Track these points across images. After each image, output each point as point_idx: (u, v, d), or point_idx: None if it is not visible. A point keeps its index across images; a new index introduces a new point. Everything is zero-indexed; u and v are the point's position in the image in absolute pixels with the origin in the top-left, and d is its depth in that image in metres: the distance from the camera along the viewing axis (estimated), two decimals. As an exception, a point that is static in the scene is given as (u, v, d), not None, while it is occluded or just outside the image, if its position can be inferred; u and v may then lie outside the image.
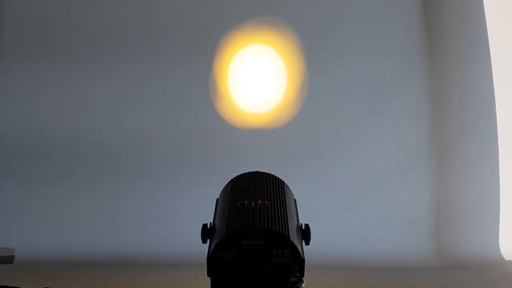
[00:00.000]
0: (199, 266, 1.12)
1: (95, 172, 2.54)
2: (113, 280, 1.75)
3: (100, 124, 2.56)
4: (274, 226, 1.00)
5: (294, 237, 1.02)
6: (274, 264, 1.00)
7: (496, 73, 2.57)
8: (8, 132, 2.53)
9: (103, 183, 2.52)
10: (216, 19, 2.66)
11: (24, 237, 2.38)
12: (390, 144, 2.59)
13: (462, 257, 2.39)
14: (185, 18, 2.66)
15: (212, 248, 1.01)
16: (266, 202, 1.08)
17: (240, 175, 1.20)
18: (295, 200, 1.19)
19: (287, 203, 1.12)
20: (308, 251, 1.08)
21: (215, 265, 1.00)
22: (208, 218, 1.12)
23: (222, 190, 1.20)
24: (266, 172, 1.21)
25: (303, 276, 1.00)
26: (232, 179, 1.20)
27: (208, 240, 1.05)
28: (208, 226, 1.07)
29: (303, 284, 0.99)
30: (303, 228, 1.09)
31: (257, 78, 2.68)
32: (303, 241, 1.07)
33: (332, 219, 2.45)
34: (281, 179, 1.20)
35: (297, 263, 1.00)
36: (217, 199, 1.19)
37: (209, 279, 1.01)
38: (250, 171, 1.21)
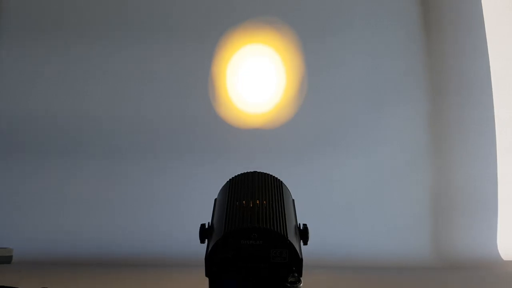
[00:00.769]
0: (197, 266, 1.12)
1: (96, 173, 2.54)
2: (111, 279, 1.75)
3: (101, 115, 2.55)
4: (272, 226, 1.00)
5: (292, 237, 1.02)
6: (272, 264, 0.99)
7: (494, 71, 2.57)
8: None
9: (103, 184, 2.52)
10: (215, 18, 2.66)
11: (22, 237, 2.38)
12: (388, 144, 2.59)
13: (461, 257, 2.39)
14: (184, 17, 2.66)
15: (210, 248, 1.00)
16: (264, 202, 1.08)
17: (238, 175, 1.20)
18: (293, 200, 1.19)
19: (285, 203, 1.11)
20: (307, 251, 1.08)
21: (213, 265, 0.99)
22: (206, 218, 1.12)
23: (220, 190, 1.19)
24: (264, 172, 1.21)
25: (301, 276, 1.00)
26: (230, 179, 1.20)
27: (206, 240, 1.05)
28: (206, 226, 1.07)
29: (301, 284, 0.99)
30: (301, 228, 1.09)
31: (256, 78, 2.68)
32: (301, 241, 1.07)
33: (330, 219, 2.45)
34: (279, 179, 1.20)
35: (295, 263, 0.99)
36: (215, 199, 1.18)
37: (207, 279, 1.01)
38: (248, 171, 1.21)
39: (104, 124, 2.57)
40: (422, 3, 2.70)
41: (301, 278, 0.99)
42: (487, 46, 2.58)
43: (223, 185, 1.20)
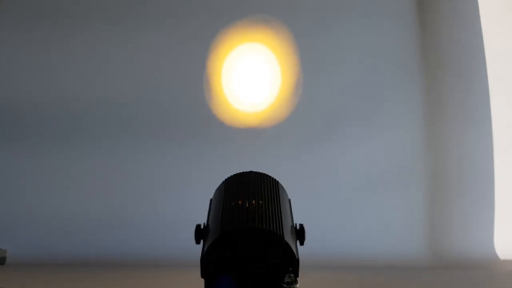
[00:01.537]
0: (193, 266, 1.11)
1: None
2: (106, 280, 1.75)
3: None
4: (268, 226, 1.00)
5: (289, 237, 1.01)
6: (269, 264, 0.99)
7: (491, 72, 2.57)
8: None
9: (99, 183, 2.52)
10: (210, 17, 2.65)
11: (16, 238, 2.37)
12: (386, 144, 2.59)
13: (458, 257, 2.39)
14: (180, 15, 2.66)
15: (206, 248, 0.99)
16: (260, 202, 1.07)
17: (234, 175, 1.19)
18: (289, 200, 1.18)
19: (281, 203, 1.11)
20: (304, 251, 1.07)
21: (209, 265, 0.98)
22: (202, 218, 1.11)
23: (216, 190, 1.19)
24: (260, 171, 1.20)
25: (297, 276, 0.99)
26: (226, 179, 1.19)
27: (202, 241, 1.04)
28: (202, 227, 1.06)
29: (298, 285, 0.99)
30: (298, 228, 1.08)
31: (251, 77, 2.67)
32: (298, 241, 1.06)
33: (326, 219, 2.45)
34: (275, 179, 1.19)
35: (292, 263, 0.99)
36: (211, 199, 1.18)
37: (202, 280, 1.00)
38: (244, 171, 1.21)
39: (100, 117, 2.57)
40: (418, 3, 2.70)
41: (298, 279, 0.99)
42: (483, 43, 2.58)
43: (218, 185, 1.19)
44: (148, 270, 2.06)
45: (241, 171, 1.20)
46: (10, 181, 2.49)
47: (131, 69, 2.60)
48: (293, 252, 0.99)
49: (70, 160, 2.52)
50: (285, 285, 0.98)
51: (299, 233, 1.07)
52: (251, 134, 2.59)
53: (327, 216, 2.47)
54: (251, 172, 1.20)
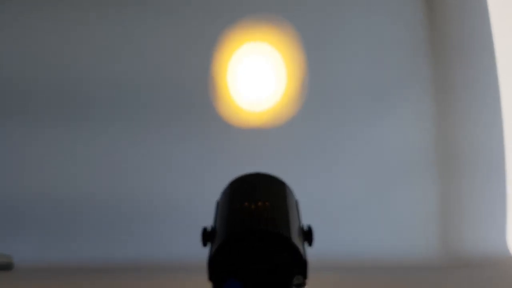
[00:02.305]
0: (200, 269, 1.11)
1: None
2: (114, 285, 1.75)
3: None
4: (275, 228, 0.99)
5: (296, 239, 1.00)
6: (276, 266, 0.98)
7: (501, 66, 2.55)
8: None
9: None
10: (214, 16, 2.65)
11: (22, 243, 2.38)
12: (394, 141, 2.58)
13: (470, 255, 2.38)
14: (186, 13, 2.66)
15: (213, 251, 0.99)
16: (267, 203, 1.06)
17: (240, 176, 1.19)
18: (296, 201, 1.17)
19: (288, 204, 1.10)
20: (312, 252, 1.06)
21: (216, 268, 0.98)
22: (208, 221, 1.11)
23: (222, 192, 1.18)
24: (266, 172, 1.20)
25: (305, 278, 0.98)
26: (231, 181, 1.18)
27: (208, 244, 1.04)
28: (208, 230, 1.06)
29: (306, 287, 0.98)
30: (306, 229, 1.07)
31: (256, 76, 2.67)
32: (306, 242, 1.06)
33: (337, 219, 2.44)
34: (281, 180, 1.19)
35: (300, 264, 0.98)
36: (217, 202, 1.17)
37: (210, 283, 1.00)
38: (250, 172, 1.20)
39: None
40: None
41: (306, 280, 0.98)
42: (492, 39, 2.56)
43: (224, 186, 1.19)
44: (160, 274, 2.07)
45: (247, 173, 1.19)
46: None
47: (133, 66, 2.61)
48: (301, 253, 0.98)
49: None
50: (293, 287, 0.97)
51: (307, 234, 1.06)
52: (256, 135, 2.59)
53: (335, 216, 2.46)
54: (257, 173, 1.19)
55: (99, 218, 2.47)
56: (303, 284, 0.98)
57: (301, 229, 1.07)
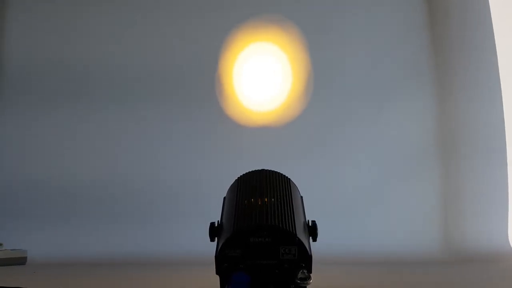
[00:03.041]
0: (207, 264, 1.13)
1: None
2: (125, 279, 1.76)
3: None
4: (280, 224, 1.01)
5: (301, 234, 1.02)
6: (282, 261, 1.00)
7: (501, 64, 2.55)
8: None
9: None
10: (222, 17, 2.66)
11: (36, 238, 2.40)
12: (397, 139, 2.59)
13: (471, 251, 2.38)
14: (191, 16, 2.67)
15: (220, 246, 1.01)
16: (273, 199, 1.08)
17: (246, 173, 1.21)
18: (301, 197, 1.19)
19: (293, 201, 1.12)
20: (317, 248, 1.08)
21: (223, 262, 1.00)
22: (215, 217, 1.13)
23: (229, 188, 1.20)
24: (272, 169, 1.22)
25: (310, 272, 1.00)
26: (238, 178, 1.20)
27: (216, 238, 1.06)
28: (216, 225, 1.08)
29: (311, 281, 1.00)
30: (310, 224, 1.09)
31: (262, 76, 2.68)
32: (311, 237, 1.08)
33: (339, 215, 2.45)
34: (287, 177, 1.21)
35: (305, 259, 1.00)
36: (224, 198, 1.19)
37: (217, 276, 1.02)
38: (256, 169, 1.22)
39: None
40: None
41: (311, 275, 1.00)
42: (494, 40, 2.56)
43: (231, 183, 1.20)
44: (168, 268, 2.08)
45: (253, 169, 1.21)
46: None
47: (135, 65, 2.63)
48: (306, 248, 1.00)
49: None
50: (298, 281, 0.99)
51: (312, 230, 1.08)
52: (262, 133, 2.60)
53: (340, 212, 2.47)
54: (263, 170, 1.21)
55: (110, 212, 2.50)
56: (308, 278, 0.99)
57: (306, 224, 1.10)
